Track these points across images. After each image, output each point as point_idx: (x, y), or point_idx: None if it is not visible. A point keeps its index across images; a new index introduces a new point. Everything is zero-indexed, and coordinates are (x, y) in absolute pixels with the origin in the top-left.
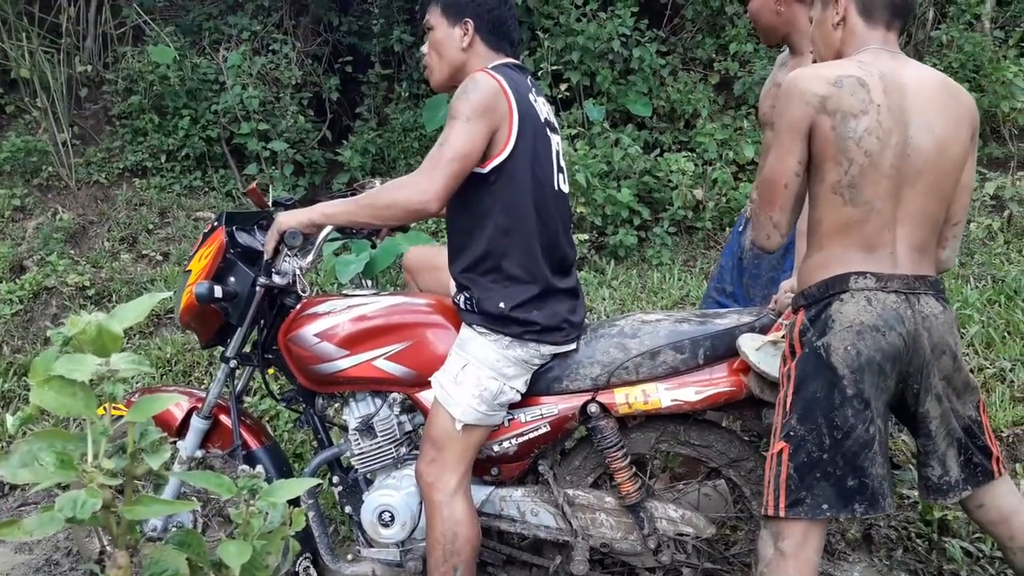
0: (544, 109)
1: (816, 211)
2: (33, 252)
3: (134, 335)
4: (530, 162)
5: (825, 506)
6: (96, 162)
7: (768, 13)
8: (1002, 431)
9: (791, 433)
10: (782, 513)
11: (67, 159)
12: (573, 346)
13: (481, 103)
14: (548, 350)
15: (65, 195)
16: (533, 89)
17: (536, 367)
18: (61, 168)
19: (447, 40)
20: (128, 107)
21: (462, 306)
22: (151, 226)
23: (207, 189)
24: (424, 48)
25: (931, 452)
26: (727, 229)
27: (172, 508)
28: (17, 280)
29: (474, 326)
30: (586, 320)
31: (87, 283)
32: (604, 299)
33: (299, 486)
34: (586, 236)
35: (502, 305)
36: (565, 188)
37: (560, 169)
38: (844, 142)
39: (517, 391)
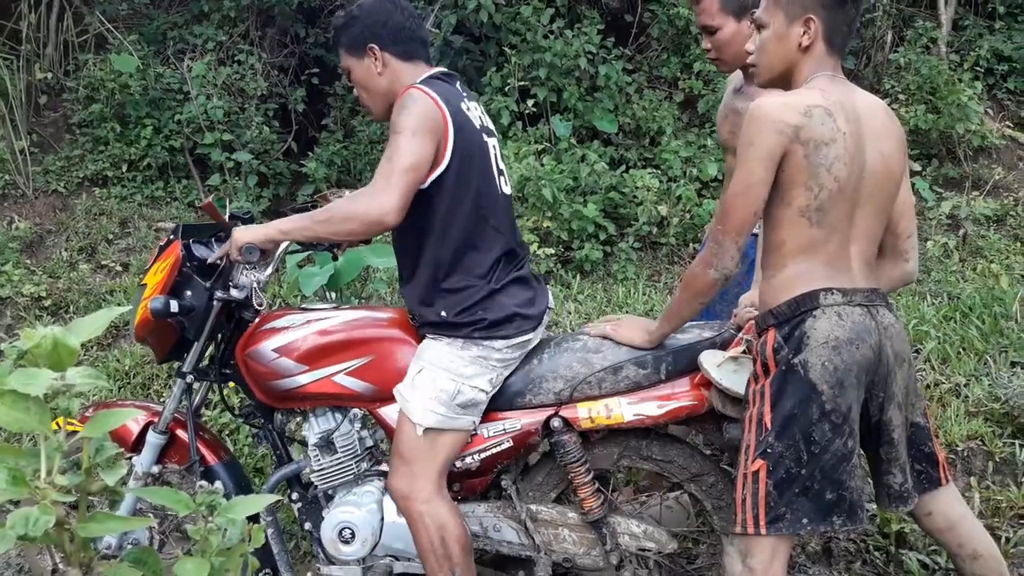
0: (477, 113)
1: (778, 233)
2: None
3: (91, 347)
4: (469, 171)
5: (805, 520)
6: (55, 171)
7: (742, 40)
8: (957, 445)
9: (768, 451)
10: (763, 531)
11: (25, 167)
12: (530, 336)
13: (421, 116)
14: (503, 344)
15: (22, 204)
16: (465, 96)
17: (501, 364)
18: (18, 176)
19: (365, 73)
20: (89, 115)
21: (414, 321)
22: (111, 236)
23: (169, 199)
24: (356, 92)
25: (894, 460)
26: (691, 245)
27: (127, 525)
28: None
29: (427, 336)
30: (551, 332)
31: (43, 294)
32: (570, 313)
33: (258, 503)
34: (552, 250)
35: (443, 313)
36: (507, 190)
37: (500, 172)
38: (816, 169)
39: (481, 390)
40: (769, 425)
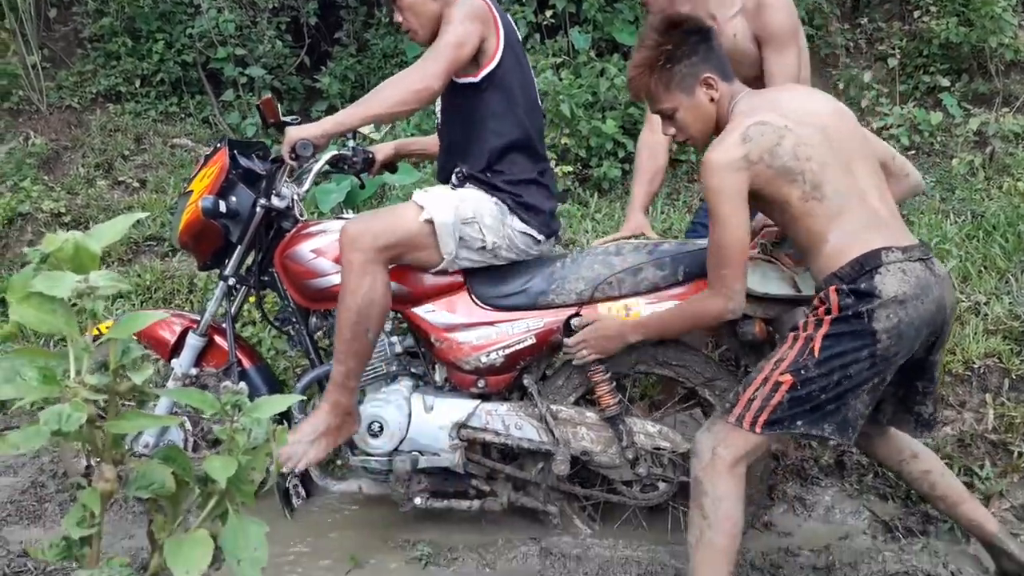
0: (518, 32)
1: (799, 225)
2: (6, 178)
3: (112, 262)
4: (516, 70)
5: (799, 423)
6: (68, 86)
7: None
8: (974, 362)
9: (802, 371)
10: (758, 430)
11: (38, 83)
12: (539, 239)
13: (472, 12)
14: (521, 227)
15: (37, 120)
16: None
17: (506, 242)
18: (32, 92)
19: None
20: (99, 29)
21: (454, 180)
22: (127, 152)
23: (183, 115)
24: (397, 18)
25: (929, 393)
26: None
27: (156, 422)
28: None
29: (467, 184)
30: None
31: (62, 209)
32: (587, 232)
33: (283, 402)
34: (570, 168)
35: (489, 175)
36: (539, 99)
37: (534, 82)
38: (786, 166)
39: (482, 241)
40: (816, 352)
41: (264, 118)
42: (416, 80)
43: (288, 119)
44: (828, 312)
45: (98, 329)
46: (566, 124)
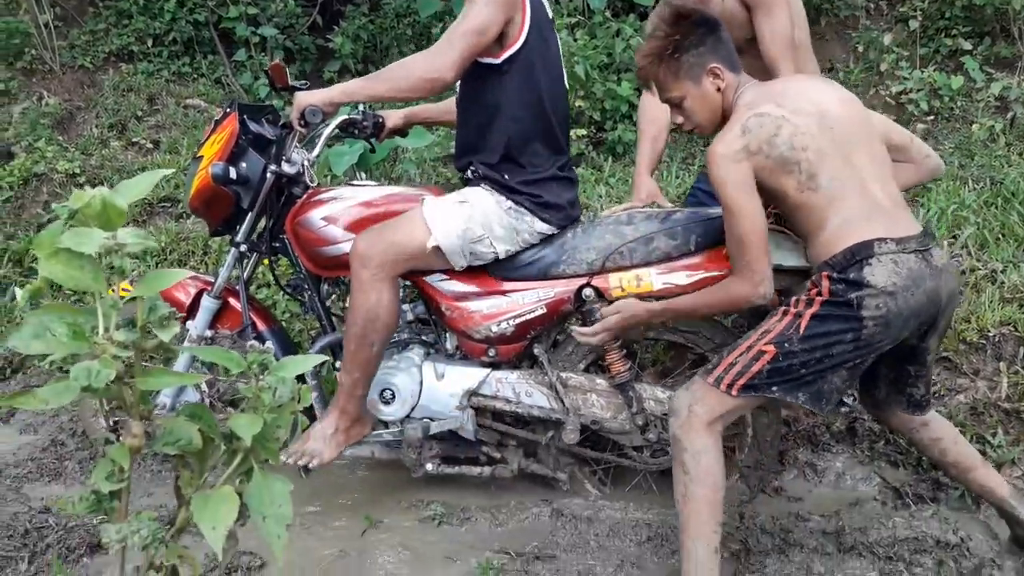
0: (549, 9)
1: (799, 215)
2: (21, 138)
3: (127, 223)
4: (541, 54)
5: (775, 388)
6: (80, 45)
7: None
8: (988, 331)
9: (786, 344)
10: (734, 393)
11: (50, 42)
12: (558, 232)
13: None
14: (541, 227)
15: (50, 79)
16: None
17: (523, 243)
18: (45, 51)
19: None
20: None
21: (469, 176)
22: (140, 113)
23: (196, 76)
24: None
25: (920, 376)
26: None
27: (183, 379)
28: (6, 167)
29: (482, 185)
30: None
31: (77, 170)
32: (600, 196)
33: (308, 362)
34: (584, 131)
35: (507, 176)
36: (565, 85)
37: (561, 67)
38: (782, 157)
39: (495, 252)
40: (802, 329)
41: (273, 83)
42: (429, 68)
43: (297, 84)
44: (819, 295)
45: (113, 289)
46: (581, 86)
